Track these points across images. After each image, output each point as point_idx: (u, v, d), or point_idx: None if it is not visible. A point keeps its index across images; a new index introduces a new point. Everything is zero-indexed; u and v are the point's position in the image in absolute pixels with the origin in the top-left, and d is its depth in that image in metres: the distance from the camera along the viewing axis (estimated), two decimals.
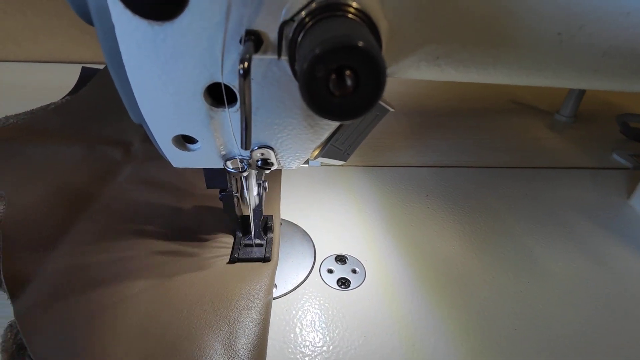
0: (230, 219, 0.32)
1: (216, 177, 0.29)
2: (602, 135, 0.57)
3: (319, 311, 0.29)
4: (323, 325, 0.28)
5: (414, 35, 0.17)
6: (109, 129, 0.49)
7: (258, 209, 0.31)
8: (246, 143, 0.17)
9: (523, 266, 0.34)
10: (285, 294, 0.30)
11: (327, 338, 0.27)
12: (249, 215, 0.31)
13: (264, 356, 0.24)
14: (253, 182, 0.29)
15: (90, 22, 0.17)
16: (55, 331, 0.24)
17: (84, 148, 0.44)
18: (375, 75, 0.12)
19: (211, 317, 0.26)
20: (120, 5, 0.15)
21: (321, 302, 0.29)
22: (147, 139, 0.47)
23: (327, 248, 0.34)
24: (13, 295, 0.26)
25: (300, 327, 0.27)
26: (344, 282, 0.31)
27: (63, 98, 0.57)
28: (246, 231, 0.33)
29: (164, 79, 0.18)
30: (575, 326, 0.29)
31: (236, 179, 0.30)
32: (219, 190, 0.30)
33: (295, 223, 0.37)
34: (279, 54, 0.16)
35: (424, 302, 0.30)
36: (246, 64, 0.14)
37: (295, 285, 0.30)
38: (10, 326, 0.25)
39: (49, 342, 0.23)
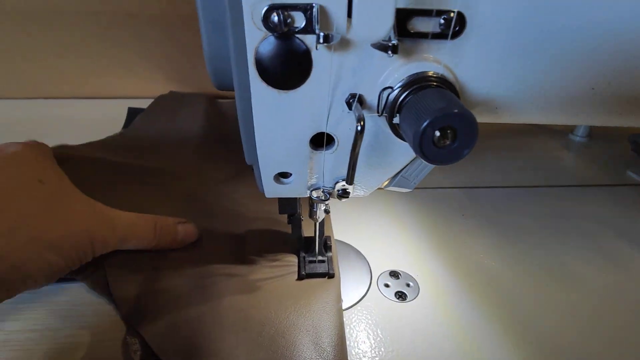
0: (296, 239, 0.36)
1: (288, 204, 0.33)
2: (615, 154, 0.61)
3: (382, 322, 0.32)
4: (387, 336, 0.31)
5: (479, 93, 0.22)
6: (164, 161, 0.54)
7: (321, 228, 0.35)
8: (351, 179, 0.21)
9: (561, 279, 0.37)
10: (351, 307, 0.34)
11: (392, 347, 0.30)
12: (311, 236, 0.36)
13: (345, 353, 0.28)
14: (321, 205, 0.33)
15: (224, 89, 0.23)
16: (173, 337, 0.28)
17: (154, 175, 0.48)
18: (471, 132, 0.17)
19: (296, 320, 0.30)
20: (259, 79, 0.20)
21: (384, 313, 0.33)
22: (213, 167, 0.50)
23: (379, 264, 0.38)
24: (122, 312, 0.31)
25: (368, 336, 0.31)
26: (400, 295, 0.35)
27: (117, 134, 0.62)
28: (309, 249, 0.37)
29: (281, 131, 0.22)
30: (616, 334, 0.32)
31: (302, 204, 0.34)
32: (287, 215, 0.34)
33: (347, 242, 0.41)
34: (380, 112, 0.21)
35: (474, 313, 0.33)
36: (362, 123, 0.19)
37: (358, 299, 0.34)
38: (125, 343, 0.28)
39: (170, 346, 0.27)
